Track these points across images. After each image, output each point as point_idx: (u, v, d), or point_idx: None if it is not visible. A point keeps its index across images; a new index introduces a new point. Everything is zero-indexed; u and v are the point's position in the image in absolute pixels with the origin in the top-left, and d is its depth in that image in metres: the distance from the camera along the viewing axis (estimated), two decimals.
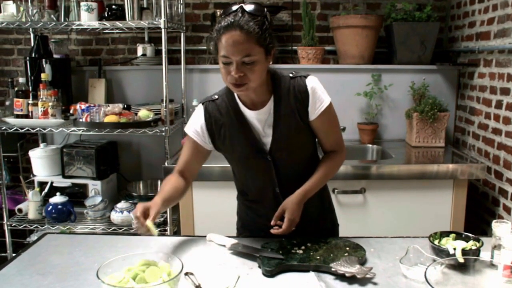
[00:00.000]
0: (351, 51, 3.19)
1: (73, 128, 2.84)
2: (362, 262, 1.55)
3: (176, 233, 2.93)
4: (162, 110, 2.91)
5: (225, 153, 1.79)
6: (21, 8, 2.90)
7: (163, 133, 2.81)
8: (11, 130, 2.86)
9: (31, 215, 2.98)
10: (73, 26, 2.83)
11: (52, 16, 2.91)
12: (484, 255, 1.50)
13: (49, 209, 2.90)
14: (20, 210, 3.03)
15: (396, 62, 3.24)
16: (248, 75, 1.50)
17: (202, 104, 1.73)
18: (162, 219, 2.91)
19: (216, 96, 1.72)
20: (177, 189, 1.73)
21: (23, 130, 2.85)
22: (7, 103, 3.12)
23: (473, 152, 3.06)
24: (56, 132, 2.98)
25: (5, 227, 3.00)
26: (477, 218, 2.98)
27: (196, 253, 1.66)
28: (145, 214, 1.54)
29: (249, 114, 1.67)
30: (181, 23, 3.16)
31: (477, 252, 1.49)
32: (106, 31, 3.31)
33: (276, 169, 1.71)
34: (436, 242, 1.56)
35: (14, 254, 1.67)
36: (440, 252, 1.50)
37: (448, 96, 3.28)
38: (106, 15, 2.84)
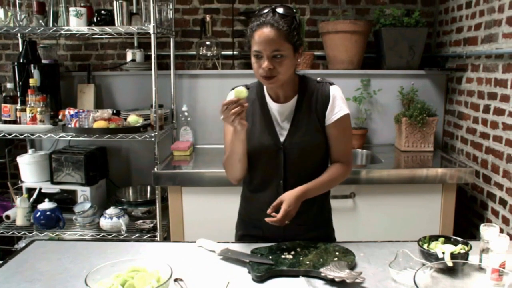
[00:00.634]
0: (341, 56, 3.21)
1: (61, 134, 2.82)
2: (352, 266, 1.55)
3: (166, 239, 2.91)
4: (151, 115, 2.91)
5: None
6: (9, 13, 2.87)
7: (153, 139, 2.80)
8: None
9: (19, 221, 2.95)
10: (62, 31, 2.82)
11: (40, 21, 2.90)
12: (473, 259, 1.51)
13: (37, 215, 2.87)
14: (8, 217, 3.00)
15: (385, 67, 3.26)
16: (277, 68, 1.63)
17: (233, 89, 1.78)
18: (151, 224, 2.89)
19: (248, 85, 1.84)
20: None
21: (11, 136, 2.83)
22: None
23: (461, 156, 3.08)
24: (45, 138, 2.96)
25: None
26: (466, 222, 3.00)
27: (186, 259, 1.65)
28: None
29: (273, 105, 1.78)
30: (171, 29, 3.16)
31: (465, 255, 1.50)
32: (95, 36, 3.30)
33: (285, 162, 1.76)
34: (425, 246, 1.57)
35: (1, 262, 1.65)
36: (429, 256, 1.51)
37: (436, 101, 3.30)
38: (95, 20, 2.83)
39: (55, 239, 2.79)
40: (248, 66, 3.35)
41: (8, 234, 2.95)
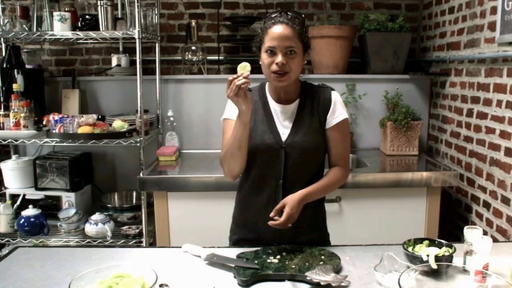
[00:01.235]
0: (326, 61, 3.23)
1: (46, 139, 2.79)
2: (337, 270, 1.55)
3: (152, 244, 2.89)
4: (137, 120, 2.89)
5: None
6: None
7: (138, 144, 2.78)
8: None
9: (3, 228, 2.91)
10: (46, 36, 2.79)
11: (24, 26, 2.87)
12: (457, 261, 1.52)
13: (21, 222, 2.83)
14: None
15: (369, 72, 3.28)
16: (290, 65, 1.67)
17: None
18: (137, 230, 2.88)
19: (251, 88, 1.85)
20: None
21: None
22: None
23: (446, 160, 3.11)
24: (29, 144, 2.92)
25: None
26: (451, 225, 3.03)
27: (171, 264, 1.64)
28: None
29: (275, 106, 1.82)
30: (156, 34, 3.15)
31: (449, 258, 1.51)
32: (80, 41, 3.29)
33: (285, 161, 1.77)
34: (409, 249, 1.58)
35: None
36: (414, 259, 1.52)
37: (421, 105, 3.33)
38: (79, 25, 2.81)
39: (39, 245, 2.76)
40: (234, 71, 3.36)
41: None
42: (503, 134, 2.42)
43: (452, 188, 3.01)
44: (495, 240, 2.28)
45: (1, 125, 2.82)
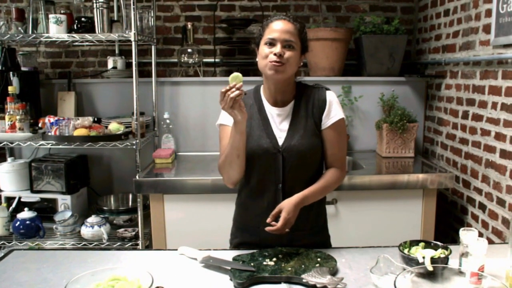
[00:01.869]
0: (322, 64, 3.23)
1: (41, 142, 2.79)
2: (333, 272, 1.55)
3: (148, 247, 2.89)
4: (133, 123, 2.89)
5: None
6: None
7: (134, 146, 2.78)
8: None
9: None
10: (42, 39, 2.79)
11: (19, 28, 2.87)
12: (453, 263, 1.53)
13: (16, 224, 2.82)
14: None
15: (365, 74, 3.29)
16: (287, 57, 1.69)
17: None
18: (133, 233, 2.87)
19: (246, 92, 1.83)
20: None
21: None
22: None
23: (441, 162, 3.12)
24: (24, 146, 2.92)
25: None
26: (447, 227, 3.04)
27: (167, 266, 1.64)
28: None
29: (270, 109, 1.82)
30: (152, 36, 3.15)
31: (445, 260, 1.52)
32: (76, 43, 3.28)
33: (283, 166, 1.76)
34: (405, 251, 1.58)
35: None
36: (410, 261, 1.52)
37: (416, 107, 3.34)
38: (75, 27, 2.81)
39: (35, 248, 2.75)
40: (230, 73, 3.36)
41: None
42: (498, 136, 2.43)
43: (448, 190, 3.02)
44: (490, 242, 2.28)
45: None
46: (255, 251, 1.70)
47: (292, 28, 1.71)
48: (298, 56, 1.75)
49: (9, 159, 3.13)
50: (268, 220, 1.67)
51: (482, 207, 2.60)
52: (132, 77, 2.77)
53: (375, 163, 3.06)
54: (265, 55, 1.71)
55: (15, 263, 1.68)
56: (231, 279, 1.52)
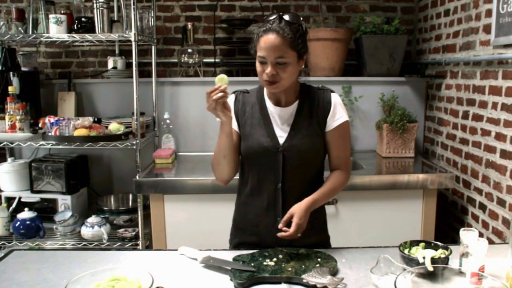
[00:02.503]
0: (322, 64, 3.23)
1: (41, 142, 2.79)
2: (334, 272, 1.55)
3: (148, 247, 2.89)
4: (133, 123, 2.89)
5: (243, 141, 1.83)
6: None
7: (134, 147, 2.78)
8: None
9: None
10: (42, 39, 2.79)
11: (19, 28, 2.87)
12: (453, 263, 1.53)
13: (16, 225, 2.82)
14: None
15: (365, 74, 3.29)
16: (280, 75, 1.66)
17: (234, 93, 1.88)
18: (134, 233, 2.87)
19: (248, 90, 1.87)
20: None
21: None
22: None
23: (442, 162, 3.12)
24: (24, 146, 2.92)
25: None
26: (447, 227, 3.04)
27: (167, 267, 1.64)
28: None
29: (273, 109, 1.81)
30: (152, 36, 3.15)
31: (445, 260, 1.52)
32: (76, 43, 3.28)
33: (283, 165, 1.76)
34: (406, 251, 1.58)
35: None
36: (410, 261, 1.52)
37: (417, 107, 3.34)
38: (75, 27, 2.81)
39: (35, 248, 2.75)
40: (230, 74, 3.36)
41: None
42: (499, 136, 2.43)
43: (448, 190, 3.02)
44: (491, 242, 2.28)
45: None
46: (255, 251, 1.70)
47: (281, 42, 1.62)
48: (294, 66, 1.69)
49: (9, 159, 3.13)
50: (280, 226, 1.66)
51: (483, 207, 2.60)
52: (132, 77, 2.77)
53: (375, 163, 3.05)
54: (259, 73, 1.70)
55: (15, 263, 1.68)
56: (231, 279, 1.52)
